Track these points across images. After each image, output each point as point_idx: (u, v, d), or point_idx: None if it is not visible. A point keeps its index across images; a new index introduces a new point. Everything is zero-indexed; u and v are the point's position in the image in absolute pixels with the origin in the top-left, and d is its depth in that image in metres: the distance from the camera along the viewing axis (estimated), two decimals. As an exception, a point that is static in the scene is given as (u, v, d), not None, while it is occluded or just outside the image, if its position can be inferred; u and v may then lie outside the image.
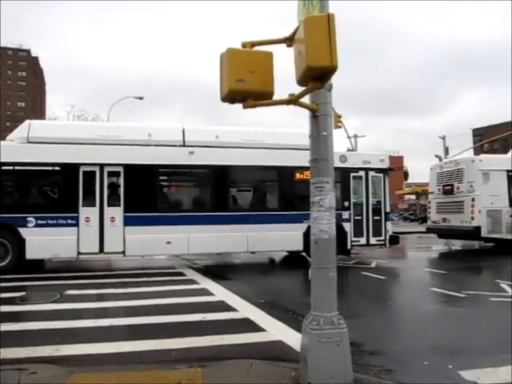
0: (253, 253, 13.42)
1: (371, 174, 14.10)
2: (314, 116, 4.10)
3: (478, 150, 55.94)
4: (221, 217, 12.29)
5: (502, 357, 4.75)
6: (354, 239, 13.68)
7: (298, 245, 12.72)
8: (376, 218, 14.05)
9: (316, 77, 3.52)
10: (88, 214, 11.52)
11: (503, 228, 15.87)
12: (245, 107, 3.87)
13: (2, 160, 10.91)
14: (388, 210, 14.51)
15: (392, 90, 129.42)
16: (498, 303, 7.58)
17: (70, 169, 11.49)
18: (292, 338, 5.30)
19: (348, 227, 13.56)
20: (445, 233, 18.10)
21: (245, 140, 12.72)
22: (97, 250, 11.55)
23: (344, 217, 13.47)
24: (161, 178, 12.86)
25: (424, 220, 27.57)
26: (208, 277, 10.43)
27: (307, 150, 10.82)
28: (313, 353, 3.88)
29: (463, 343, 5.49)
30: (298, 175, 13.07)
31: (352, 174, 13.83)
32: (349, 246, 13.61)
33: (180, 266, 12.40)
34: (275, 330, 5.97)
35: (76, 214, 11.43)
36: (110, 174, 11.90)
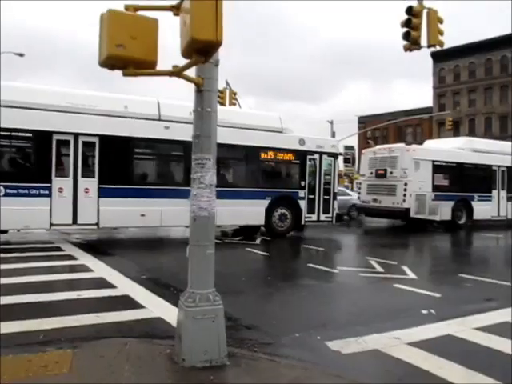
0: (219, 226, 13.64)
1: (324, 157, 15.24)
2: (199, 91, 4.00)
3: (362, 136, 60.09)
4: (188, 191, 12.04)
5: (358, 328, 5.18)
6: (307, 215, 14.84)
7: (260, 219, 13.87)
8: (326, 197, 15.30)
9: (200, 50, 3.42)
10: (61, 184, 11.15)
11: (426, 210, 17.97)
12: (124, 75, 3.65)
13: None
14: (336, 190, 15.86)
15: (289, 78, 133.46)
16: (365, 278, 8.27)
17: (43, 136, 10.96)
18: (172, 315, 5.21)
19: (303, 204, 14.70)
20: (374, 212, 19.60)
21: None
22: (70, 222, 11.28)
23: (300, 195, 14.67)
24: (136, 150, 12.61)
25: None
26: (88, 252, 9.91)
27: (273, 131, 11.80)
28: (187, 329, 3.87)
29: (332, 316, 5.91)
30: (262, 155, 14.01)
31: (308, 157, 14.88)
32: (303, 222, 14.84)
33: (58, 241, 11.61)
34: (155, 307, 5.88)
35: (49, 184, 11.01)
36: (85, 144, 11.51)
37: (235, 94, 25.64)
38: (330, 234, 16.39)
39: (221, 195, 12.95)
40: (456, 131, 54.21)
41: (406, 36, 11.57)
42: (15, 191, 10.64)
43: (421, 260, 11.82)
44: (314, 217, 15.10)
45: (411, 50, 11.72)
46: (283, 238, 14.23)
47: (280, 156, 14.47)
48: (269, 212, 14.09)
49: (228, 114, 13.40)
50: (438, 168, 18.54)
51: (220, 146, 12.69)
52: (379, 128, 52.95)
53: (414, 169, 17.84)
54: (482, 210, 19.69)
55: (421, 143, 24.96)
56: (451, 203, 18.64)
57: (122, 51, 3.51)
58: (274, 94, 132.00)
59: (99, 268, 8.27)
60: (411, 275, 8.44)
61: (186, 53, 3.51)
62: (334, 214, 15.49)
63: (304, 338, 4.92)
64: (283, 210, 14.46)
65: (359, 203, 20.50)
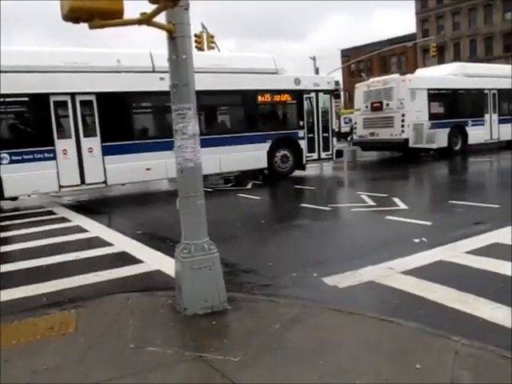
0: (219, 174, 14.45)
1: (320, 95, 15.17)
2: (172, 38, 3.84)
3: (346, 70, 58.94)
4: None
5: (353, 262, 5.31)
6: (308, 155, 15.05)
7: (263, 163, 14.15)
8: (325, 134, 15.42)
9: (167, -7, 3.23)
10: (65, 146, 11.22)
11: (424, 139, 18.18)
12: (91, 27, 3.46)
13: None
14: (334, 127, 16.03)
15: (268, 16, 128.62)
16: (357, 213, 8.38)
17: (40, 99, 10.89)
18: (170, 267, 5.25)
19: (303, 144, 14.86)
20: (372, 145, 19.81)
21: (210, 65, 12.86)
22: (78, 182, 11.45)
23: (299, 135, 14.80)
24: (134, 105, 12.68)
25: (343, 136, 29.43)
26: (81, 213, 9.90)
27: (268, 73, 11.66)
28: (186, 280, 3.94)
29: (326, 253, 6.02)
30: (260, 98, 14.01)
31: (305, 96, 14.81)
32: (304, 161, 15.03)
33: (50, 205, 11.57)
34: (153, 261, 5.96)
35: (52, 148, 11.06)
36: (83, 103, 11.48)
37: (213, 37, 24.83)
38: (322, 171, 16.46)
39: (222, 142, 13.02)
40: (441, 57, 53.27)
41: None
42: (20, 157, 10.70)
43: (411, 190, 11.97)
44: (315, 155, 15.31)
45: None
46: (284, 178, 14.47)
47: (277, 97, 14.46)
48: (270, 154, 14.29)
49: (222, 59, 13.49)
50: (433, 96, 18.57)
51: (217, 92, 12.23)
52: (363, 60, 51.87)
53: (411, 99, 17.86)
54: (476, 134, 19.94)
55: (406, 72, 24.63)
56: (447, 130, 18.86)
57: (85, 2, 3.32)
58: (254, 34, 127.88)
59: (94, 228, 8.30)
60: (402, 206, 8.58)
61: (152, -2, 3.33)
62: (334, 151, 15.74)
63: (301, 276, 5.05)
64: (284, 152, 14.61)
65: (356, 138, 20.53)
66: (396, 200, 9.11)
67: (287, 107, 14.95)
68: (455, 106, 19.26)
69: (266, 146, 14.07)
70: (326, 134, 15.46)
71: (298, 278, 5.03)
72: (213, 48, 25.03)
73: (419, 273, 4.82)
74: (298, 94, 14.65)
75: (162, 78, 11.67)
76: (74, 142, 11.33)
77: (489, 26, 51.44)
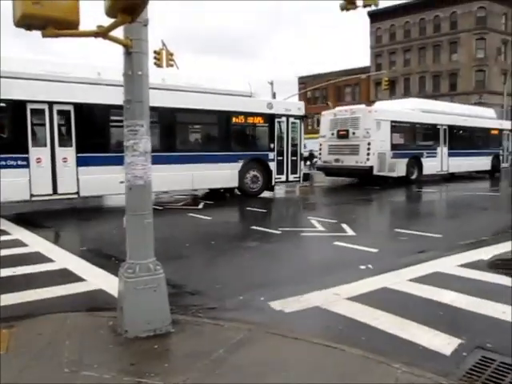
0: (195, 190, 15.14)
1: (291, 120, 15.95)
2: (128, 53, 3.79)
3: (303, 97, 60.39)
4: (170, 157, 12.92)
5: (300, 287, 5.33)
6: (277, 176, 15.68)
7: (234, 182, 14.63)
8: (293, 158, 16.13)
9: (126, 9, 3.20)
10: (39, 154, 11.07)
11: (386, 167, 19.34)
12: (44, 36, 3.36)
13: None
14: (302, 151, 16.80)
15: (228, 35, 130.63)
16: (306, 237, 8.48)
17: (17, 106, 10.77)
18: (113, 286, 5.07)
19: (273, 166, 15.50)
20: (337, 171, 20.73)
21: (190, 84, 13.47)
22: (50, 192, 11.29)
23: (270, 157, 15.44)
24: (112, 118, 12.31)
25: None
26: (23, 226, 9.45)
27: (243, 96, 12.92)
28: (129, 301, 3.81)
29: (274, 276, 6.02)
30: (234, 119, 14.56)
31: (276, 120, 15.57)
32: (273, 183, 15.67)
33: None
34: (96, 279, 5.73)
35: (26, 155, 10.89)
36: (60, 112, 11.45)
37: (172, 54, 24.82)
38: (276, 194, 16.59)
39: (196, 159, 13.22)
40: (392, 90, 55.69)
41: (343, -5, 11.56)
42: None
43: (360, 217, 12.25)
44: (283, 177, 15.94)
45: (348, 10, 11.76)
46: (242, 198, 14.74)
47: (250, 120, 15.02)
48: (241, 174, 14.71)
49: (201, 79, 13.97)
50: (395, 128, 19.93)
51: (194, 111, 12.92)
52: (319, 88, 53.38)
53: (376, 129, 18.97)
54: (430, 165, 21.46)
55: (359, 103, 25.88)
56: (406, 160, 20.11)
57: (39, 9, 3.22)
58: (215, 50, 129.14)
59: (35, 242, 7.92)
60: (350, 232, 8.76)
61: (110, 12, 3.28)
62: (301, 174, 16.42)
63: (248, 299, 5.01)
64: (255, 172, 15.09)
65: (320, 163, 21.32)
66: (344, 226, 9.30)
67: (259, 130, 15.46)
68: (413, 138, 20.81)
69: (238, 165, 14.54)
70: (295, 158, 16.14)
71: (244, 301, 4.98)
72: (171, 65, 24.99)
73: (364, 299, 4.90)
74: (270, 118, 15.31)
75: None
76: (48, 150, 11.21)
77: (437, 64, 54.51)
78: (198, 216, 11.09)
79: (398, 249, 7.52)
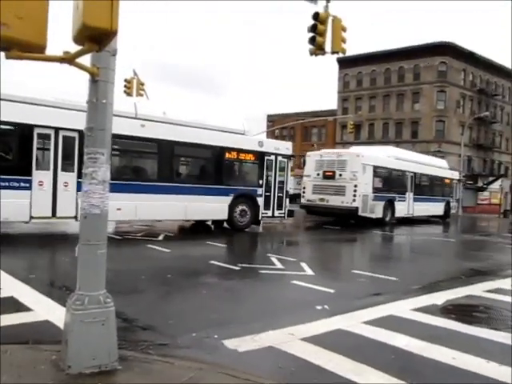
0: (187, 221, 15.75)
1: (279, 158, 16.66)
2: (94, 81, 3.78)
3: (271, 135, 61.38)
4: (165, 187, 13.40)
5: (255, 326, 5.24)
6: (263, 211, 16.18)
7: (224, 214, 15.02)
8: (279, 194, 16.73)
9: (93, 38, 3.20)
10: (41, 177, 11.37)
11: (368, 209, 20.49)
12: (7, 57, 3.31)
13: None
14: (288, 188, 17.28)
15: (205, 72, 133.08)
16: (265, 275, 8.42)
17: (25, 130, 11.11)
18: (61, 318, 4.88)
19: (260, 201, 16.02)
20: (321, 210, 21.42)
21: (187, 119, 14.21)
22: (49, 215, 11.53)
23: (258, 193, 15.99)
24: (114, 147, 12.09)
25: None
26: (-30, 250, 8.98)
27: (236, 133, 14.12)
28: (74, 334, 3.64)
29: (230, 314, 5.92)
30: (227, 155, 15.07)
31: (266, 158, 16.17)
32: (260, 217, 16.17)
33: None
34: (43, 309, 5.47)
35: (29, 178, 11.18)
36: (65, 138, 11.74)
37: (143, 84, 24.91)
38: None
39: (191, 191, 13.65)
40: (357, 134, 57.50)
41: (312, 41, 12.02)
42: None
43: (320, 257, 12.33)
44: (270, 213, 16.50)
45: (316, 55, 12.20)
46: (242, 232, 15.33)
47: (242, 156, 15.64)
48: (231, 208, 15.17)
49: (199, 115, 14.86)
50: (376, 172, 21.26)
51: (192, 145, 13.67)
52: (287, 127, 54.55)
53: (362, 172, 20.26)
54: (401, 208, 23.06)
55: (325, 144, 27.04)
56: (383, 203, 21.36)
57: (5, 31, 3.18)
58: (187, 83, 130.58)
59: (-19, 267, 7.51)
60: (309, 272, 8.77)
61: (77, 39, 3.28)
62: (286, 210, 17.01)
63: (201, 337, 4.88)
64: (243, 207, 15.56)
65: (304, 201, 22.08)
66: (303, 265, 9.31)
67: (250, 166, 16.13)
68: (389, 182, 22.26)
69: (229, 199, 14.99)
70: (281, 194, 16.77)
71: (197, 338, 4.85)
72: (141, 95, 25.04)
73: (318, 340, 4.87)
74: (260, 155, 15.94)
75: (142, 125, 12.97)
76: (51, 174, 11.52)
77: (400, 112, 56.88)
78: (157, 248, 10.87)
79: (355, 290, 7.56)
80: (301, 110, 61.88)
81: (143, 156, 14.05)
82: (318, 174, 21.30)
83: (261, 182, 16.10)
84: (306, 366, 4.25)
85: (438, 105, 54.66)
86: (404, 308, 6.35)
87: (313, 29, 11.98)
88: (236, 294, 7.07)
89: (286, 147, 17.25)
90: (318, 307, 6.19)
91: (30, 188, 11.14)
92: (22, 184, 11.07)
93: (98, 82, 3.75)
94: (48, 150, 11.58)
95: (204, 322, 5.41)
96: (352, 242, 16.15)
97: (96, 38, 3.19)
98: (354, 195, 19.81)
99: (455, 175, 31.04)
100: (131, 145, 13.13)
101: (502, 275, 9.54)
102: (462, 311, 6.40)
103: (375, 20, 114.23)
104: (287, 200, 17.07)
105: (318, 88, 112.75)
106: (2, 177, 10.70)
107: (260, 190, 16.04)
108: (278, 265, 9.35)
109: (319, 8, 12.13)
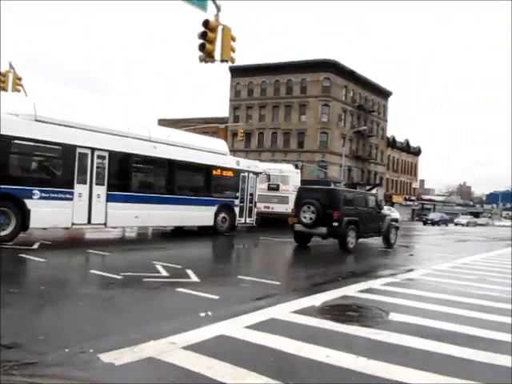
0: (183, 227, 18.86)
1: (250, 175, 20.57)
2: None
3: (161, 140, 60.26)
4: (171, 198, 16.50)
5: (135, 336, 5.07)
6: (238, 219, 19.85)
7: (211, 221, 18.42)
8: (250, 205, 20.57)
9: None
10: (81, 190, 13.39)
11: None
12: None
13: (13, 134, 11.81)
14: (256, 200, 21.19)
15: (91, 70, 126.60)
16: (148, 283, 8.14)
17: (69, 149, 13.14)
18: None
19: (237, 210, 19.67)
20: (266, 216, 25.20)
21: (186, 141, 17.94)
22: (86, 222, 13.57)
23: (235, 203, 19.59)
24: (134, 165, 15.74)
25: None
26: None
27: (220, 154, 19.61)
28: None
29: (108, 326, 5.63)
30: (214, 171, 18.59)
31: (241, 174, 19.99)
32: (236, 224, 19.79)
33: None
34: None
35: (72, 190, 13.18)
36: (99, 157, 13.96)
37: (20, 79, 22.95)
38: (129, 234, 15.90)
39: (184, 201, 17.26)
40: (247, 142, 58.98)
41: (202, 47, 12.05)
42: (47, 195, 12.50)
43: (206, 263, 12.34)
44: (243, 220, 20.14)
45: (206, 62, 12.25)
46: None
47: (225, 173, 19.11)
48: (215, 216, 18.47)
49: (189, 138, 18.90)
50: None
51: (188, 164, 18.04)
52: (179, 133, 54.02)
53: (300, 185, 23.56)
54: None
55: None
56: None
57: None
58: (74, 83, 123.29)
59: None
60: (194, 278, 8.70)
61: None
62: (255, 218, 20.94)
63: (75, 352, 4.56)
64: (224, 214, 18.92)
65: None
66: (189, 272, 9.22)
67: (229, 180, 19.45)
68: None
69: (214, 208, 18.34)
70: (251, 205, 20.57)
71: (70, 354, 4.52)
72: (18, 90, 23.02)
73: (200, 348, 4.83)
74: (237, 172, 19.68)
75: (154, 147, 15.85)
76: (88, 187, 13.57)
77: (288, 123, 59.60)
78: (30, 257, 10.01)
79: (239, 295, 7.67)
80: (193, 116, 61.84)
81: (155, 172, 16.96)
82: (263, 187, 24.80)
83: (237, 194, 19.63)
84: (185, 375, 4.19)
85: (323, 117, 58.35)
86: (285, 311, 6.58)
87: (203, 36, 12.01)
88: (116, 305, 6.77)
89: (255, 165, 21.50)
90: (202, 314, 6.15)
91: (72, 199, 13.06)
92: (68, 196, 13.00)
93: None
94: (86, 166, 13.53)
95: (79, 335, 5.08)
96: (242, 247, 16.42)
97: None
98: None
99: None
100: (147, 163, 16.27)
101: (373, 276, 10.39)
102: (337, 311, 6.83)
103: (269, 33, 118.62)
104: (255, 209, 20.83)
105: (211, 95, 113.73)
106: (53, 189, 12.68)
107: (236, 201, 19.58)
108: (164, 272, 9.15)
109: (210, 16, 12.23)
